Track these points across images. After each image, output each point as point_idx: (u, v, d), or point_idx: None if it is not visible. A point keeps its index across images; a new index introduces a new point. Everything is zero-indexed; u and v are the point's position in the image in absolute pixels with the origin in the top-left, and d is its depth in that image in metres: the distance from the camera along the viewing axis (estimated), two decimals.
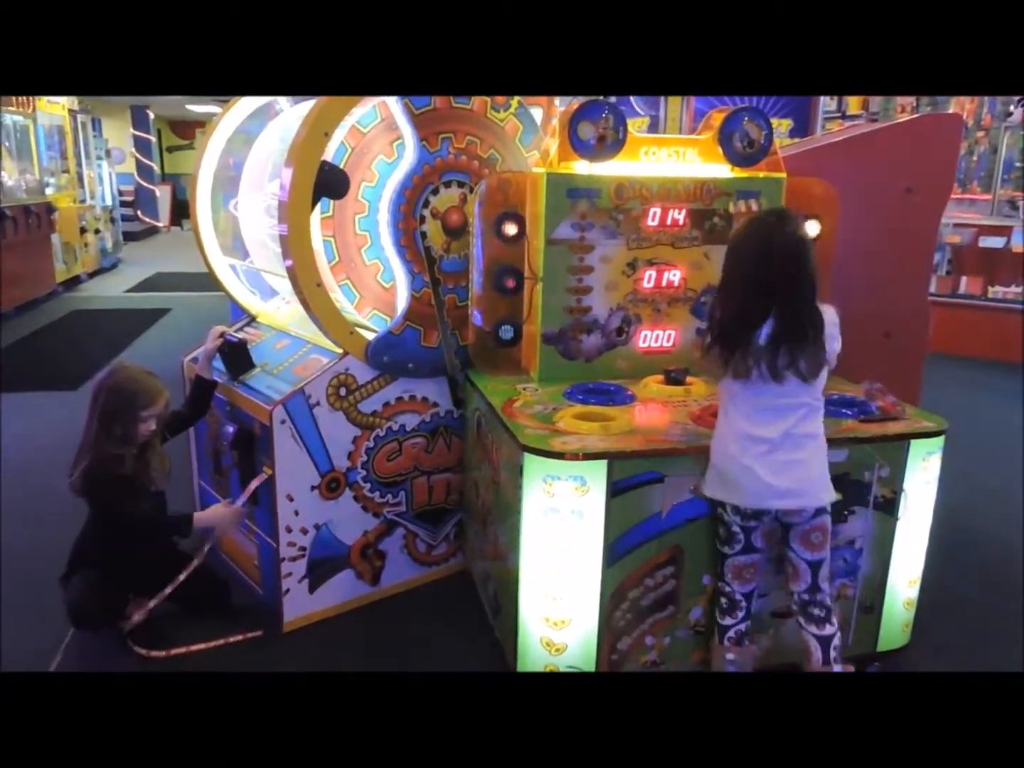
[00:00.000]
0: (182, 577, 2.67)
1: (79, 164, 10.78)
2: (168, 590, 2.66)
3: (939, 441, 2.48)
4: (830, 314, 2.11)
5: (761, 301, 2.05)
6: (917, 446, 2.44)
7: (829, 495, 2.18)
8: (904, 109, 8.12)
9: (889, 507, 2.46)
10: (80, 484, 2.57)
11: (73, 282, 10.02)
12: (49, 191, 9.46)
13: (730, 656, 2.30)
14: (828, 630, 2.22)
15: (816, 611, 2.23)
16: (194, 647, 2.65)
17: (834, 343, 2.12)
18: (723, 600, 2.31)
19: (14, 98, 8.52)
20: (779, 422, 2.10)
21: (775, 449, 2.10)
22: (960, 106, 7.51)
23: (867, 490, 2.41)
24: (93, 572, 2.61)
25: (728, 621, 2.31)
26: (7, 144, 8.47)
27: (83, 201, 10.81)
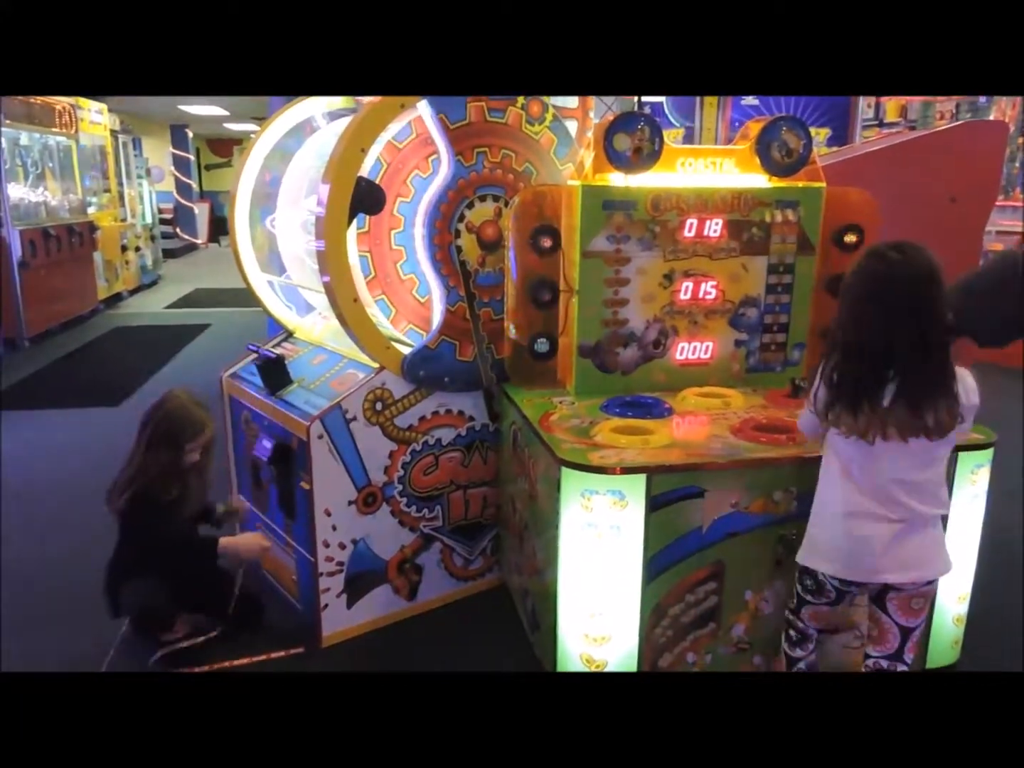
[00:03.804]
0: (214, 632, 2.72)
1: (120, 183, 10.99)
2: (201, 640, 2.70)
3: (988, 454, 2.42)
4: (968, 380, 1.90)
5: (886, 352, 1.82)
6: (965, 459, 2.38)
7: (945, 566, 2.00)
8: (944, 116, 8.00)
9: None
10: (124, 507, 2.62)
11: (114, 299, 10.20)
12: (91, 210, 9.65)
13: None
14: None
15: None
16: (236, 662, 2.66)
17: (968, 411, 1.90)
18: (794, 633, 2.21)
19: (57, 120, 8.72)
20: (901, 488, 1.90)
21: (892, 519, 1.92)
22: (1001, 112, 7.39)
23: None
24: (147, 580, 2.64)
25: (799, 653, 2.22)
26: (51, 165, 8.67)
27: (124, 220, 11.01)
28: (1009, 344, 2.08)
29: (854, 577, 2.00)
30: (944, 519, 1.99)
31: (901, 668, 2.08)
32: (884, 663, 2.08)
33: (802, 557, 2.09)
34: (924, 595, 2.03)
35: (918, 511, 1.93)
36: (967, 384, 1.89)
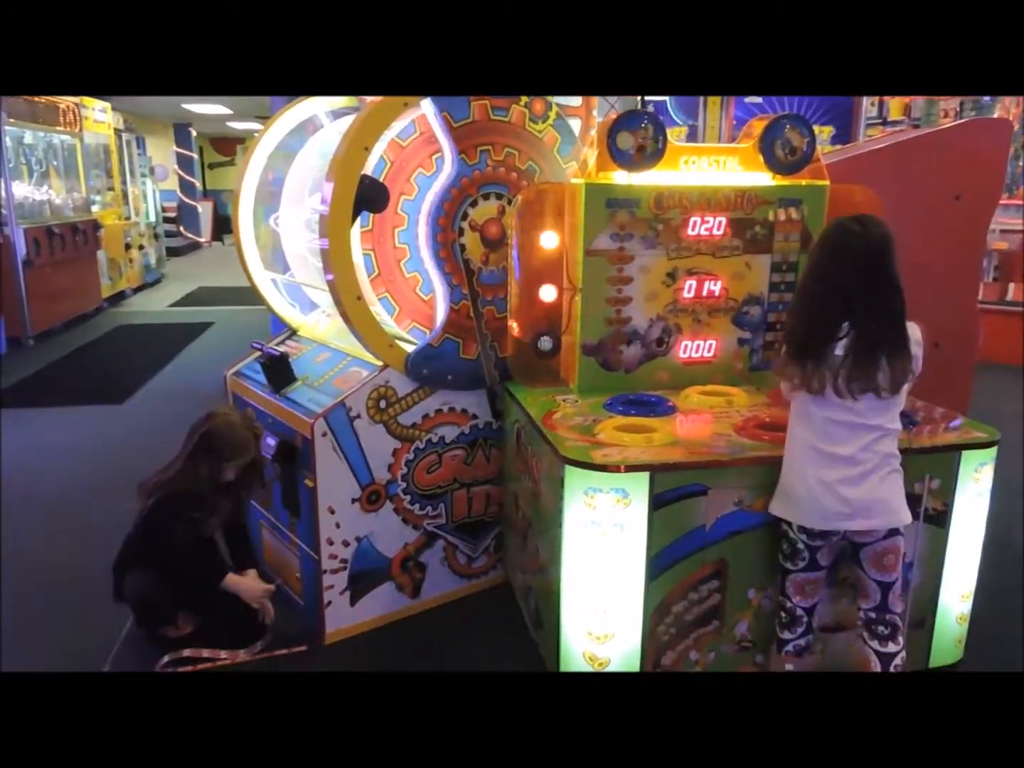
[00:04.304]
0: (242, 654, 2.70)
1: (124, 182, 10.99)
2: (224, 656, 2.69)
3: (991, 452, 2.42)
4: (915, 333, 2.01)
5: (838, 310, 1.95)
6: (968, 457, 2.38)
7: (905, 516, 2.08)
8: (948, 114, 7.98)
9: (940, 520, 2.41)
10: (151, 506, 2.66)
11: (118, 297, 10.22)
12: (95, 209, 9.67)
13: (789, 667, 2.25)
14: (891, 647, 2.15)
15: (881, 628, 2.16)
16: (239, 659, 2.67)
17: (916, 363, 2.02)
18: (783, 614, 2.25)
19: (62, 118, 8.74)
20: (853, 441, 2.01)
21: (848, 468, 2.02)
22: (1005, 110, 7.37)
23: (917, 502, 2.35)
24: (151, 574, 2.67)
25: (788, 635, 2.25)
26: (55, 163, 8.68)
27: (128, 218, 11.02)
28: None
29: (818, 524, 2.09)
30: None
31: (890, 616, 2.15)
32: (874, 614, 2.16)
33: (773, 507, 2.18)
34: (892, 550, 2.11)
35: (867, 451, 2.02)
36: (914, 338, 2.00)
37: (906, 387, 2.02)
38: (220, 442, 2.67)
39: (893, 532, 2.10)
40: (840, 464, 2.02)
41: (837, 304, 1.95)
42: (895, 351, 1.95)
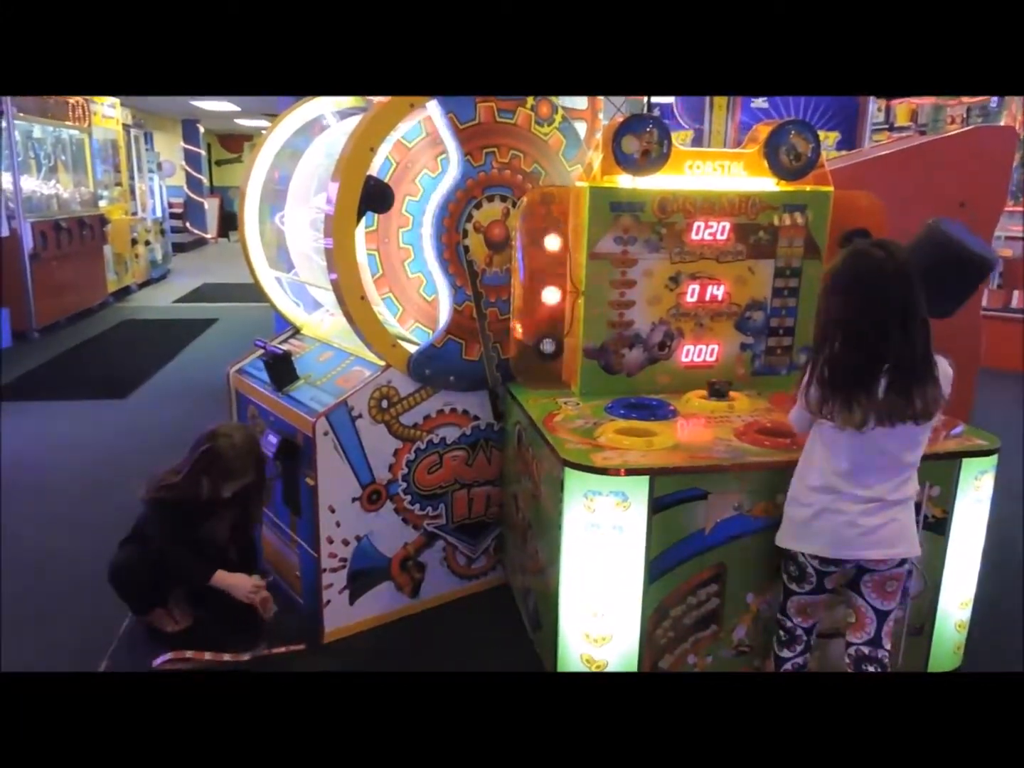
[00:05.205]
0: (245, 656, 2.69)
1: (131, 177, 11.04)
2: (226, 658, 2.68)
3: (992, 460, 2.41)
4: (943, 366, 1.96)
5: (880, 343, 1.88)
6: (969, 465, 2.38)
7: (917, 547, 2.07)
8: (954, 121, 7.98)
9: (939, 527, 2.41)
10: (148, 503, 2.69)
11: (124, 292, 10.25)
12: (102, 203, 9.70)
13: None
14: None
15: (871, 669, 2.11)
16: (240, 657, 2.67)
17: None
18: (782, 633, 2.23)
19: (71, 113, 8.76)
20: (885, 482, 1.98)
21: (870, 504, 1.99)
22: (1012, 117, 7.36)
23: (917, 509, 2.35)
24: (135, 551, 2.70)
25: (787, 654, 2.23)
26: (63, 158, 8.71)
27: (134, 213, 11.05)
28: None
29: (834, 554, 2.05)
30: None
31: (881, 654, 2.11)
32: (866, 650, 2.12)
33: (781, 539, 2.13)
34: (897, 577, 2.09)
35: (894, 492, 2.00)
36: (943, 371, 1.97)
37: (936, 417, 1.97)
38: (220, 462, 2.67)
39: (903, 561, 2.08)
40: (863, 495, 1.99)
41: (877, 337, 1.89)
42: (928, 377, 1.92)
